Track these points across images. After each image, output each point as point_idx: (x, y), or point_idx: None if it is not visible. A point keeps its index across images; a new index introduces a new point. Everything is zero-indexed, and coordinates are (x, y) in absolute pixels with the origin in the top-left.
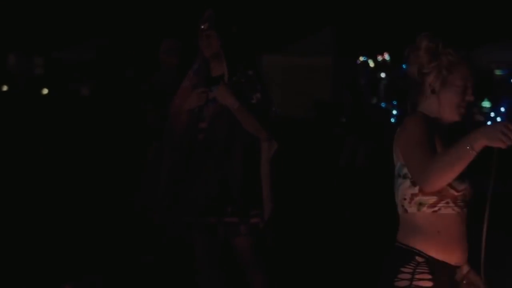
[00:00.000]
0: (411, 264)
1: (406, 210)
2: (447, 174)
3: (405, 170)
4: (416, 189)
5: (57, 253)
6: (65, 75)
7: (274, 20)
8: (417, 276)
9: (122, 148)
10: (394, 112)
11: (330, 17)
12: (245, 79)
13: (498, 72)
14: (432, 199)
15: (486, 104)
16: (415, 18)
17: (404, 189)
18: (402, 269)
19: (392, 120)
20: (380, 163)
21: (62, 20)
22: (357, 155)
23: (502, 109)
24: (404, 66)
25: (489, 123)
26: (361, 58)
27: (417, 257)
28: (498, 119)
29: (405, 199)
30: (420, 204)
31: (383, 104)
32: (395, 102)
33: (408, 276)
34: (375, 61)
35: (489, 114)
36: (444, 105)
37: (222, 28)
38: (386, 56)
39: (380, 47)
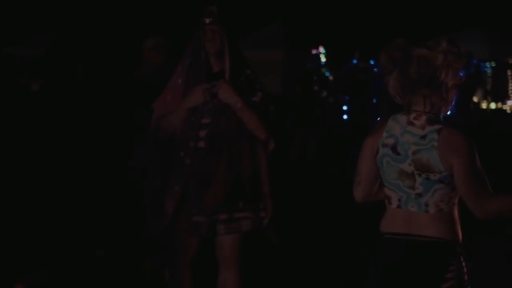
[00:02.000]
0: (457, 256)
1: (441, 210)
2: (504, 215)
3: (449, 179)
4: (453, 193)
5: (6, 251)
6: (15, 71)
7: (222, 15)
8: (462, 265)
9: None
10: (345, 107)
11: (279, 11)
12: (244, 78)
13: None
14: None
15: None
16: (362, 11)
17: (444, 194)
18: (453, 261)
19: (345, 116)
20: (330, 156)
21: (11, 15)
22: (308, 148)
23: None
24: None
25: None
26: (313, 52)
27: (458, 249)
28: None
29: (442, 201)
30: (454, 204)
31: (331, 99)
32: (346, 97)
33: (457, 266)
34: (327, 56)
35: None
36: (450, 103)
37: (227, 24)
38: (321, 49)
39: (330, 41)
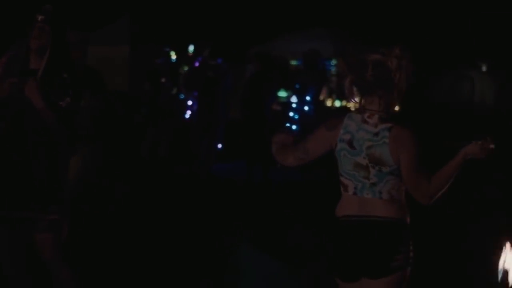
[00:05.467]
0: (407, 234)
1: (393, 196)
2: (443, 192)
3: (398, 171)
4: (402, 182)
5: None
6: None
7: (68, 9)
8: (410, 242)
9: None
10: (190, 103)
11: (127, 7)
12: (59, 81)
13: (293, 62)
14: None
15: (282, 94)
16: (213, 11)
17: (396, 183)
18: (404, 237)
19: (188, 113)
20: (181, 151)
21: None
22: (159, 144)
23: (308, 98)
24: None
25: (291, 114)
26: (165, 49)
27: (408, 228)
28: (306, 107)
29: (393, 189)
30: (403, 191)
31: (181, 95)
32: (195, 93)
33: (407, 242)
34: (177, 52)
35: (286, 104)
36: (398, 102)
37: (57, 26)
38: (190, 48)
39: (184, 39)
